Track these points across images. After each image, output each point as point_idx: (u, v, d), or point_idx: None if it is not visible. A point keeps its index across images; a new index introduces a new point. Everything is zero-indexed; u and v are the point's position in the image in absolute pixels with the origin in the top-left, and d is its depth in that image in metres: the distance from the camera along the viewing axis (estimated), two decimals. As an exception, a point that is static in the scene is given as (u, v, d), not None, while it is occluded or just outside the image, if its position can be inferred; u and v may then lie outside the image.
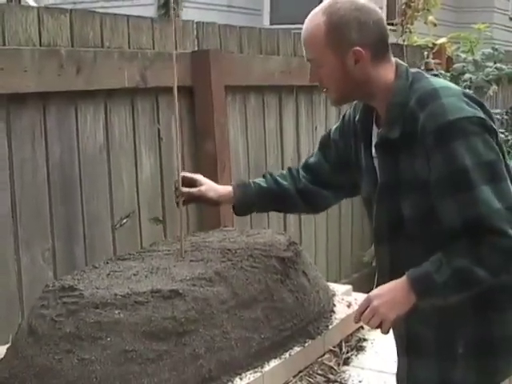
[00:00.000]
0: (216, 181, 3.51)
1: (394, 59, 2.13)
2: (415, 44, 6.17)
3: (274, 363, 2.27)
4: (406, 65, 2.13)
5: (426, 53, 6.07)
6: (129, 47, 3.28)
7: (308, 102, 4.71)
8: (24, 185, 2.85)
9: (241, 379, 2.15)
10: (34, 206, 2.90)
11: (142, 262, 2.44)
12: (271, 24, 9.84)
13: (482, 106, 2.00)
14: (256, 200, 2.51)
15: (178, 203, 2.51)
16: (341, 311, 2.70)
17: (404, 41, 6.04)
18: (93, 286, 2.19)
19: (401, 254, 2.11)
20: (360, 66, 2.04)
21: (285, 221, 4.44)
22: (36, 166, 2.90)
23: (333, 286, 2.94)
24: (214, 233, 2.87)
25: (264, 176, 2.54)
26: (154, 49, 3.40)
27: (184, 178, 2.51)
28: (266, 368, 2.23)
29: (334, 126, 2.45)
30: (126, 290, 2.14)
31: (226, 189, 2.54)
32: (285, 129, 4.49)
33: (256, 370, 2.21)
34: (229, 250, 2.49)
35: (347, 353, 2.64)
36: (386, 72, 2.08)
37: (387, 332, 2.04)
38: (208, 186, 2.52)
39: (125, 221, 3.29)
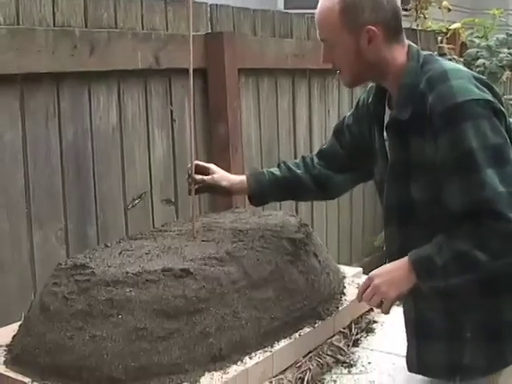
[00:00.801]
0: (228, 163, 3.55)
1: (406, 41, 2.13)
2: (429, 29, 6.14)
3: (283, 343, 2.27)
4: (418, 47, 2.13)
5: (439, 38, 6.04)
6: (142, 29, 3.28)
7: (321, 86, 4.71)
8: (37, 164, 2.86)
9: (250, 358, 2.15)
10: (47, 185, 2.91)
11: (154, 242, 2.45)
12: (285, 8, 9.79)
13: (491, 89, 2.00)
14: (270, 189, 2.51)
15: (190, 191, 2.51)
16: (351, 293, 2.70)
17: (418, 26, 6.01)
18: (104, 264, 2.20)
19: (410, 237, 2.11)
20: (373, 45, 2.04)
21: (296, 203, 4.45)
22: (49, 145, 2.92)
23: (343, 268, 2.94)
24: (226, 214, 2.87)
25: (278, 165, 2.55)
26: (167, 30, 3.40)
27: (197, 166, 2.51)
28: (276, 348, 2.24)
29: (349, 113, 2.46)
30: (137, 268, 2.15)
31: (238, 178, 2.54)
32: (297, 112, 4.49)
33: (266, 349, 2.21)
34: (240, 230, 2.49)
35: (357, 334, 2.64)
36: (399, 53, 2.08)
37: (388, 311, 2.07)
38: (221, 175, 2.52)
39: (137, 201, 3.30)
